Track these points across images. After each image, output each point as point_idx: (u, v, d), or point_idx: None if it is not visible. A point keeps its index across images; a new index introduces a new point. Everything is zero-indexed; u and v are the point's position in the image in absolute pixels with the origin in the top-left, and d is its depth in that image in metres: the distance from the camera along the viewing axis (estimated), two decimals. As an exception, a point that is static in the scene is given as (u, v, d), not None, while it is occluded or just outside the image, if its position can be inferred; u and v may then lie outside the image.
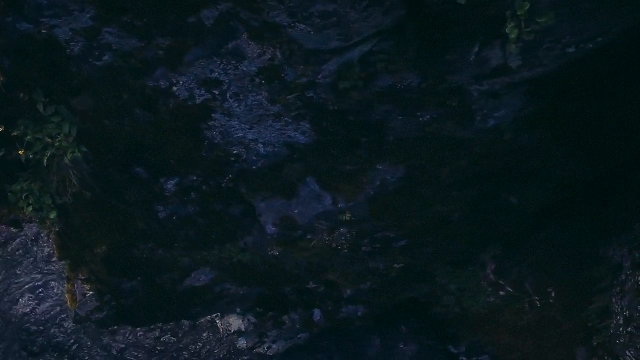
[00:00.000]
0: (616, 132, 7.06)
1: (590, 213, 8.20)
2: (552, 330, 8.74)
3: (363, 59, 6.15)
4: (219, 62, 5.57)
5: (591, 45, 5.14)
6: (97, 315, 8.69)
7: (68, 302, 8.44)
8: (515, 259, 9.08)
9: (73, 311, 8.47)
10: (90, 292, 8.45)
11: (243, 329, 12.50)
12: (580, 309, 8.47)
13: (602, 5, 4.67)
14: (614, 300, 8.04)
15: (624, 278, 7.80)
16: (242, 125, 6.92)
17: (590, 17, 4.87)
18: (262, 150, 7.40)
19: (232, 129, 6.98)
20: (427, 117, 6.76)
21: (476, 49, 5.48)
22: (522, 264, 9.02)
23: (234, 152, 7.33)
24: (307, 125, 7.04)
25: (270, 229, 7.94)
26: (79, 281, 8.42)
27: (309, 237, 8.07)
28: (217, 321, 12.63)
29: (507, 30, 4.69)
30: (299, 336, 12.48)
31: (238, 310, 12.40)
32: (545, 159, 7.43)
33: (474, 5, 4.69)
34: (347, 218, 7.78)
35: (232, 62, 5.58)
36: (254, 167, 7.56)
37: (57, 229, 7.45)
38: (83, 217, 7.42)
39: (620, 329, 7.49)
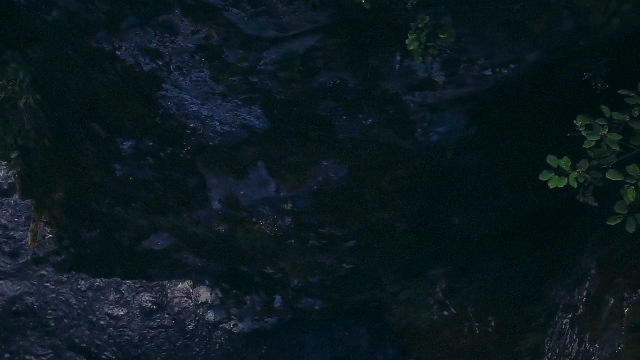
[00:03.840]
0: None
1: (538, 249, 8.03)
2: (485, 360, 8.63)
3: (307, 54, 6.29)
4: (154, 34, 5.84)
5: (506, 71, 5.08)
6: (55, 259, 9.19)
7: (29, 241, 8.96)
8: (464, 283, 8.99)
9: (32, 250, 8.99)
10: (50, 236, 8.94)
11: (210, 302, 12.91)
12: (515, 344, 8.32)
13: (511, 33, 4.61)
14: (546, 340, 7.87)
15: (557, 319, 7.63)
16: (195, 100, 7.19)
17: (503, 43, 4.82)
18: (219, 128, 7.66)
19: (186, 103, 7.27)
20: (370, 121, 6.83)
21: (398, 57, 5.51)
22: (469, 289, 8.92)
23: (191, 125, 7.61)
24: (259, 111, 7.24)
25: (216, 205, 8.19)
26: (42, 223, 8.93)
27: (254, 220, 8.28)
28: (191, 290, 13.11)
29: (407, 42, 4.71)
30: (266, 320, 12.75)
31: (207, 282, 12.82)
32: (489, 184, 7.35)
33: (379, 11, 4.73)
34: (289, 208, 7.93)
35: (166, 35, 5.83)
36: (211, 143, 7.83)
37: (20, 170, 7.94)
38: (42, 162, 7.88)
39: (547, 370, 7.35)
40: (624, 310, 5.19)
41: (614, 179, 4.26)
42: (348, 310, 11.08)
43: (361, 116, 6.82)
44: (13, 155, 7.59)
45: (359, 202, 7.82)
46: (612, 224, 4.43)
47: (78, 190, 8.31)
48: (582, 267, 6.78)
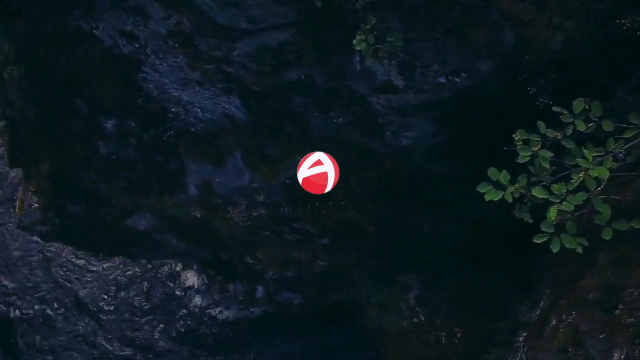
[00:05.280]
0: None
1: (507, 265, 7.93)
2: (447, 371, 8.57)
3: (280, 48, 6.35)
4: (126, 16, 5.97)
5: (458, 80, 5.03)
6: (40, 228, 9.45)
7: (17, 208, 9.24)
8: (436, 292, 8.94)
9: (19, 217, 9.26)
10: (36, 205, 9.20)
11: (196, 287, 13.10)
12: (478, 358, 8.24)
13: (458, 41, 4.56)
14: (509, 357, 7.79)
15: (516, 336, 7.54)
16: (174, 85, 7.32)
17: (452, 51, 4.78)
18: (200, 115, 7.78)
19: (167, 87, 7.40)
20: (340, 120, 6.85)
21: (357, 58, 5.52)
22: (440, 298, 8.87)
23: (172, 109, 7.75)
24: (238, 101, 7.33)
25: (192, 190, 8.32)
26: (29, 192, 9.20)
27: (228, 208, 8.38)
28: (181, 273, 13.33)
29: (354, 42, 4.71)
30: (250, 310, 12.89)
31: (195, 267, 13.01)
32: (457, 195, 7.28)
33: (331, 10, 4.75)
34: (262, 199, 8.01)
35: (138, 18, 5.96)
36: (192, 129, 7.96)
37: (7, 139, 8.20)
38: (29, 133, 8.12)
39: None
40: (560, 331, 5.11)
41: (539, 196, 4.20)
42: (326, 309, 11.14)
43: (332, 114, 6.85)
44: (0, 124, 7.84)
45: (328, 200, 7.85)
46: (538, 242, 4.37)
47: (63, 164, 8.53)
48: (542, 285, 6.68)
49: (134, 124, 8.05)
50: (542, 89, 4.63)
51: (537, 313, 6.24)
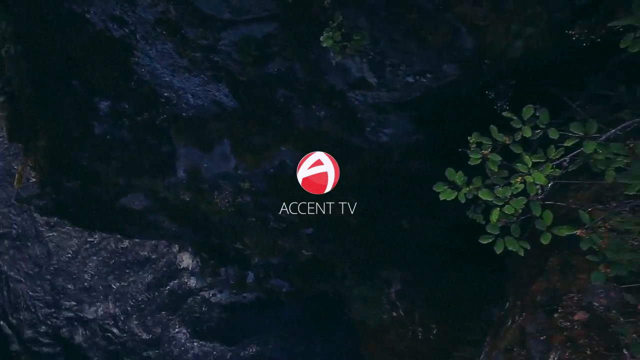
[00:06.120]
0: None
1: (484, 267, 8.00)
2: (421, 366, 8.72)
3: (265, 40, 6.49)
4: (115, 2, 6.16)
5: (424, 80, 5.13)
6: (37, 202, 9.75)
7: (16, 181, 9.54)
8: (417, 288, 9.06)
9: (16, 190, 9.57)
10: (34, 180, 9.50)
11: (190, 269, 13.37)
12: (450, 354, 8.36)
13: (419, 43, 4.65)
14: (477, 356, 7.89)
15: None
16: (165, 70, 7.51)
17: (415, 52, 4.86)
18: (192, 101, 7.97)
19: (158, 72, 7.59)
20: (322, 113, 6.98)
21: (332, 53, 5.63)
22: (420, 294, 8.99)
23: (165, 94, 7.95)
24: (226, 89, 7.50)
25: (181, 173, 8.53)
26: (28, 167, 9.50)
27: (215, 193, 8.58)
28: (177, 255, 13.61)
29: (321, 38, 4.83)
30: (243, 295, 13.13)
31: (189, 249, 13.27)
32: (435, 194, 7.35)
33: (301, 5, 4.87)
34: (247, 187, 8.19)
35: (126, 4, 6.14)
36: (184, 114, 8.17)
37: (7, 114, 8.48)
38: (27, 110, 8.39)
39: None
40: (509, 332, 5.21)
41: (484, 198, 4.30)
42: (314, 298, 11.31)
43: (314, 107, 6.98)
44: (0, 99, 8.12)
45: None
46: (484, 243, 4.48)
47: (59, 141, 8.79)
48: (508, 287, 6.76)
49: (127, 106, 8.27)
50: (502, 93, 4.71)
51: (501, 314, 6.33)
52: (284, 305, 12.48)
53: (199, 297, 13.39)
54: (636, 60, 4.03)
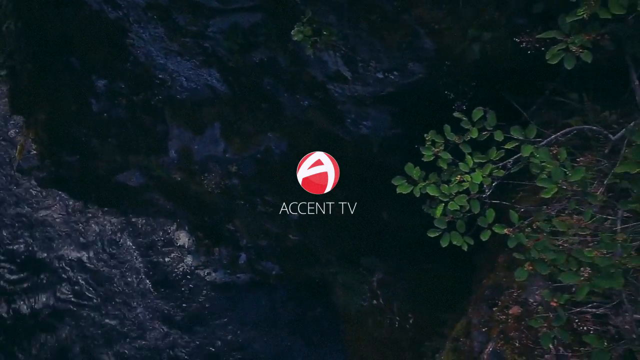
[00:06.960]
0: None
1: (459, 262, 8.19)
2: (395, 355, 8.97)
3: (252, 29, 6.70)
4: (107, -17, 6.43)
5: (393, 77, 5.29)
6: (37, 174, 10.12)
7: (17, 152, 9.91)
8: (398, 278, 9.28)
9: (18, 162, 9.94)
10: (35, 152, 9.86)
11: (186, 247, 13.72)
12: (422, 344, 8.58)
13: (383, 42, 4.80)
14: (444, 346, 8.11)
15: (458, 329, 7.84)
16: (159, 54, 7.76)
17: (381, 49, 5.02)
18: (185, 84, 8.23)
19: (152, 54, 7.85)
20: (306, 102, 7.18)
21: (308, 45, 5.82)
22: (399, 285, 9.21)
23: (160, 76, 8.21)
24: (217, 74, 7.74)
25: (172, 154, 8.82)
26: (29, 139, 9.85)
27: (205, 174, 8.85)
28: (174, 233, 13.97)
29: (292, 32, 5.02)
30: (237, 275, 13.43)
31: (186, 228, 13.60)
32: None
33: (278, 0, 5.06)
34: (235, 170, 8.45)
35: (116, -12, 6.40)
36: (178, 96, 8.43)
37: (9, 87, 8.82)
38: (27, 84, 8.72)
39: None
40: (459, 323, 5.43)
41: (431, 194, 4.49)
42: (302, 282, 11.57)
43: (298, 96, 7.19)
44: (2, 73, 8.45)
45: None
46: (431, 236, 4.67)
47: (58, 116, 9.11)
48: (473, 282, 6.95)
49: (123, 86, 8.55)
50: (461, 94, 4.86)
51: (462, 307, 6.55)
52: (275, 288, 12.76)
53: (195, 274, 13.73)
54: (589, 68, 4.17)
